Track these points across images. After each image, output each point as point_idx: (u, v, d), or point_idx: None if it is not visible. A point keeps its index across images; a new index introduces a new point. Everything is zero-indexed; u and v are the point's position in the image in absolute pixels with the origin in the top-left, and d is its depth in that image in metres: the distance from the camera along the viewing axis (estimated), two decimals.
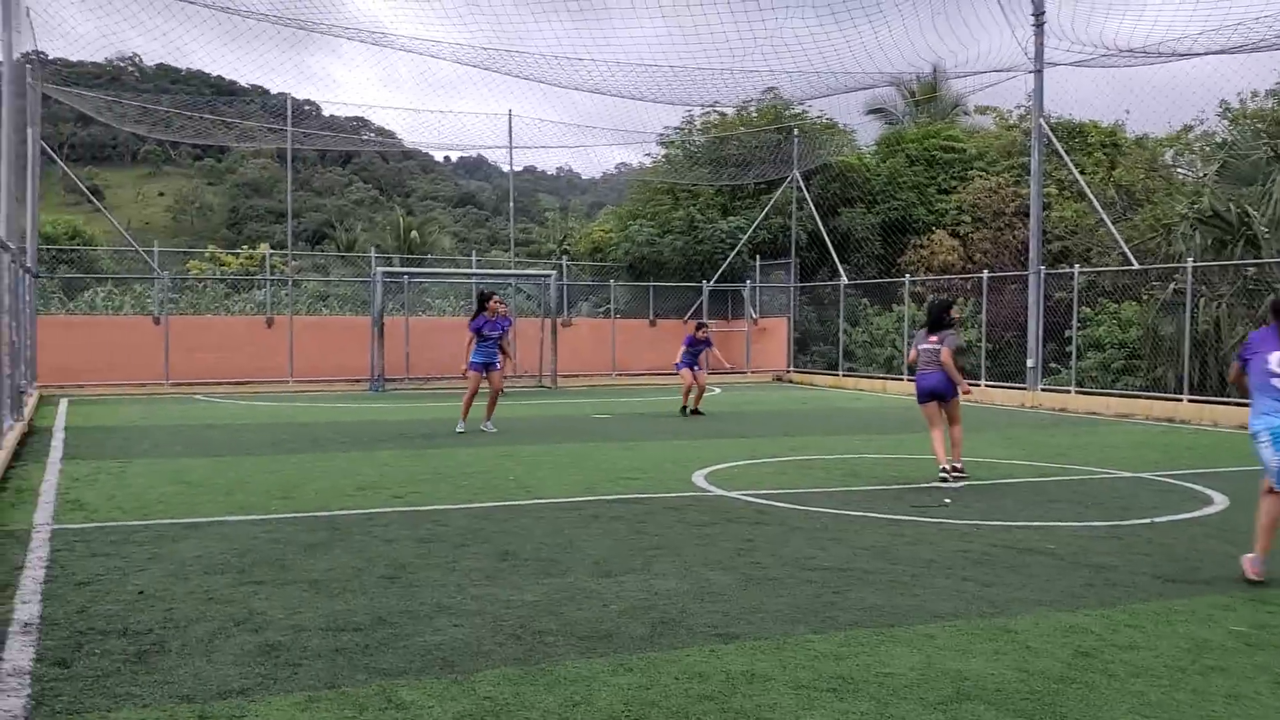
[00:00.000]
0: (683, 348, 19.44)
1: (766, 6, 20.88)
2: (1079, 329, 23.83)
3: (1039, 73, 21.61)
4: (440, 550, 7.59)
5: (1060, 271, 22.66)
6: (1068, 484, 11.31)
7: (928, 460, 12.88)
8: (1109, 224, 21.48)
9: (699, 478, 11.34)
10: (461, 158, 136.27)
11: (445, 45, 23.18)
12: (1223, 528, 8.82)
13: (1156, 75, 29.62)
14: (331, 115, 27.40)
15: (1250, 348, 7.24)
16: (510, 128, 29.00)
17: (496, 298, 16.41)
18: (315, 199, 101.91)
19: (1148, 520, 9.05)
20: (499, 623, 5.70)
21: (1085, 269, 22.13)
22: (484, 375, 16.03)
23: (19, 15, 15.25)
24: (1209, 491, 10.66)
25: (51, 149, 26.90)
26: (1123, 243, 20.79)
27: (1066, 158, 23.06)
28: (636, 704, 4.49)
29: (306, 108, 34.19)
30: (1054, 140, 22.56)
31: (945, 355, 11.50)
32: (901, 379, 25.76)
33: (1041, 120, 21.75)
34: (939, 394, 11.60)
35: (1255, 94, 26.48)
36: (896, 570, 7.08)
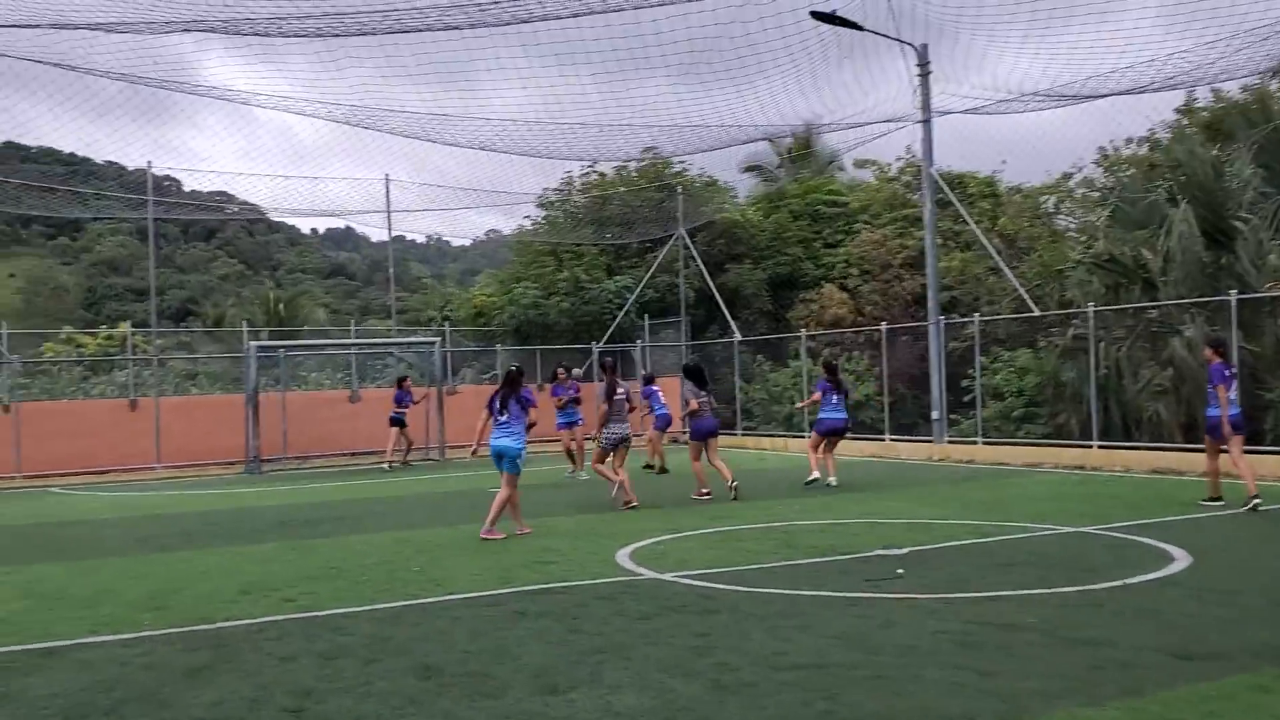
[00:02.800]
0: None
1: (630, 70, 20.29)
2: (973, 378, 23.66)
3: (927, 123, 21.46)
4: (348, 668, 6.46)
5: (960, 320, 22.40)
6: (1013, 544, 10.65)
7: (860, 525, 12.22)
8: (1007, 271, 21.32)
9: (623, 557, 10.36)
10: (329, 229, 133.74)
11: (311, 104, 21.94)
12: (1200, 587, 8.20)
13: (1030, 127, 30.23)
14: (194, 190, 26.00)
15: None
16: (387, 191, 27.90)
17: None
18: (179, 275, 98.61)
19: (1119, 583, 8.39)
20: None
21: (986, 317, 21.90)
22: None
23: None
24: (1162, 545, 10.09)
25: None
26: (1022, 290, 20.60)
27: (959, 205, 22.95)
28: None
29: (167, 183, 32.54)
30: (945, 189, 22.43)
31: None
32: (803, 436, 25.17)
33: (932, 170, 21.56)
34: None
35: (1129, 140, 26.94)
36: (880, 663, 6.21)
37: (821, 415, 17.25)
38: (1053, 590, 8.16)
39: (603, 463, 15.38)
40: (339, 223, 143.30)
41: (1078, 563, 9.45)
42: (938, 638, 6.75)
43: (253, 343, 24.47)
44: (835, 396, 17.18)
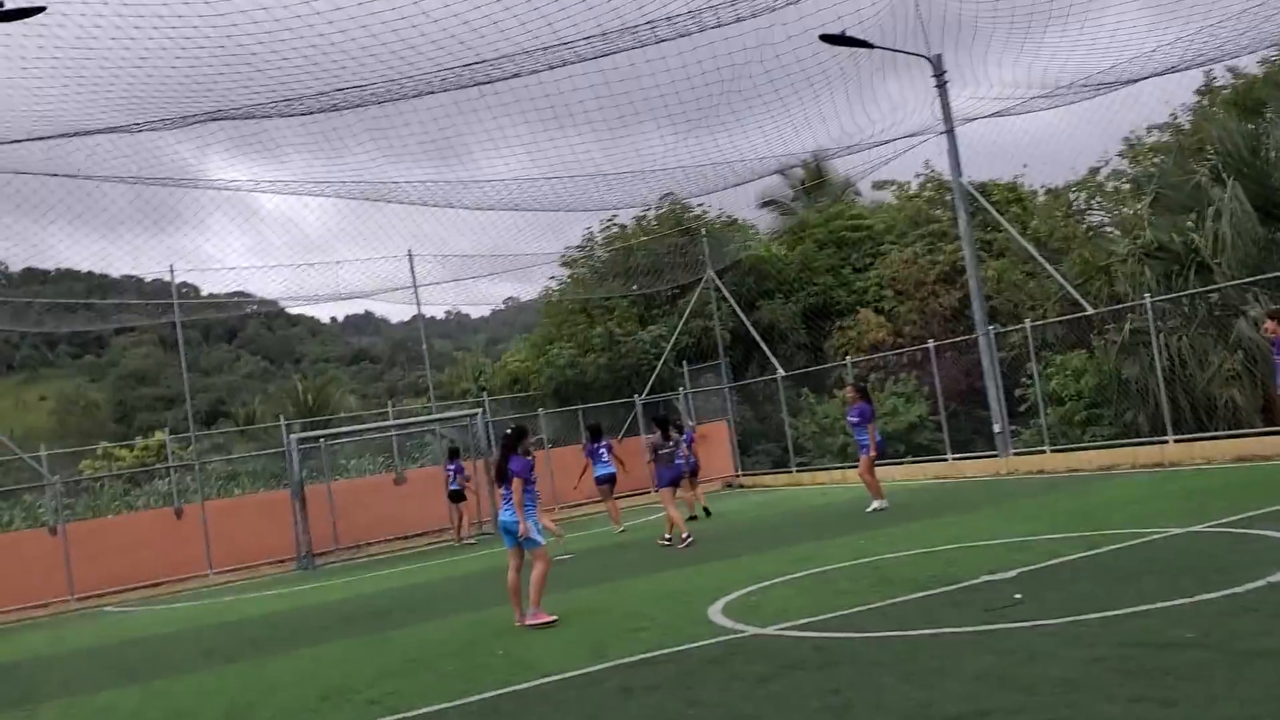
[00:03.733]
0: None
1: (630, 117, 19.98)
2: (1026, 386, 22.98)
3: (950, 133, 20.99)
4: None
5: (1011, 328, 21.77)
6: (1127, 553, 9.99)
7: (952, 551, 11.60)
8: (1054, 273, 20.71)
9: (716, 614, 9.77)
10: (349, 315, 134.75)
11: (318, 184, 21.60)
12: None
13: (1041, 131, 29.73)
14: (211, 293, 25.76)
15: None
16: (411, 266, 27.58)
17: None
18: (204, 379, 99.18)
19: (1263, 582, 7.74)
20: None
21: (1037, 322, 21.27)
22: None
23: None
24: None
25: None
26: (1072, 289, 19.98)
27: (994, 212, 22.41)
28: None
29: (185, 289, 32.45)
30: (979, 198, 21.91)
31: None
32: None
33: (963, 180, 21.05)
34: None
35: (1150, 127, 26.43)
36: (1045, 703, 5.61)
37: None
38: (1195, 599, 7.52)
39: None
40: (358, 308, 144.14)
41: (1206, 565, 8.80)
42: (1095, 667, 6.14)
43: (293, 436, 24.05)
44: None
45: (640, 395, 29.09)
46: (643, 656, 8.38)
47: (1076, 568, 9.58)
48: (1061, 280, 20.37)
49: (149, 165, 20.02)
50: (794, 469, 26.56)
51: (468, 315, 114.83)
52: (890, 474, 23.26)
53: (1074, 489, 16.37)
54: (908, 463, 23.73)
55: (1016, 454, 20.64)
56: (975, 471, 21.20)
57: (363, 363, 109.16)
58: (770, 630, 8.65)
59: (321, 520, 23.98)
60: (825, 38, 18.99)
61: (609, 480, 20.07)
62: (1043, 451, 20.20)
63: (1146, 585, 8.27)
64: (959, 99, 20.67)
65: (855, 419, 17.28)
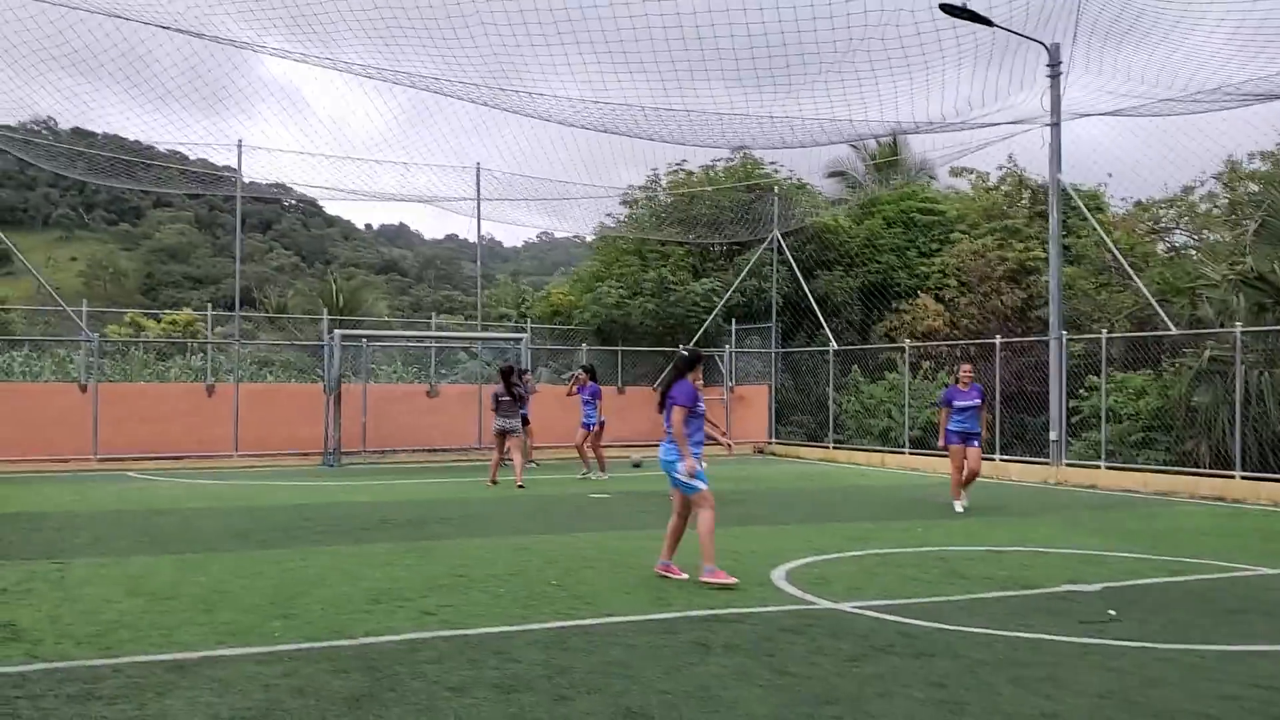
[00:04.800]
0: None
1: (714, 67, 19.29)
2: (1083, 398, 22.39)
3: (1056, 126, 20.26)
4: (537, 708, 5.49)
5: (1083, 338, 21.15)
6: (1222, 586, 9.48)
7: (1022, 554, 11.13)
8: (1141, 287, 20.05)
9: (780, 580, 9.35)
10: (383, 225, 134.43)
11: (381, 71, 20.84)
12: None
13: (1134, 139, 28.81)
14: (252, 180, 25.28)
15: None
16: (478, 179, 26.97)
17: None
18: (233, 265, 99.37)
19: None
20: None
21: (1114, 334, 20.64)
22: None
23: None
24: None
25: None
26: (1158, 307, 19.34)
27: (1091, 218, 21.71)
28: None
29: (227, 172, 31.93)
30: (1078, 199, 21.20)
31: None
32: (902, 452, 24.05)
33: (1060, 176, 20.35)
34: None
35: (1251, 154, 25.53)
36: None
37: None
38: None
39: None
40: (393, 219, 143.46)
41: None
42: (1231, 705, 5.67)
43: (337, 331, 23.66)
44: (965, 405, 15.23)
45: (685, 346, 28.59)
46: (711, 612, 7.96)
47: (1166, 592, 9.09)
48: (1150, 298, 19.68)
49: (203, 48, 19.56)
50: (830, 445, 26.08)
51: (500, 243, 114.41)
52: (931, 465, 22.80)
53: (1135, 509, 15.85)
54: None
55: (1069, 465, 20.10)
56: (1021, 475, 20.68)
57: (391, 274, 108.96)
58: (845, 607, 8.21)
59: (352, 421, 23.66)
60: (945, 8, 18.30)
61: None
62: (1097, 466, 19.65)
63: (1258, 625, 7.80)
64: (1070, 93, 19.91)
65: (977, 400, 15.16)
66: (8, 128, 25.52)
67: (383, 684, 5.91)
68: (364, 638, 7.04)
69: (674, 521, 9.49)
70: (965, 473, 15.11)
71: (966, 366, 15.40)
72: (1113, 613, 8.08)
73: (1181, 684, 6.08)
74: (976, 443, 15.17)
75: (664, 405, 9.28)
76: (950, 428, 15.16)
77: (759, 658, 6.59)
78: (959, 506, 14.96)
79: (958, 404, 15.09)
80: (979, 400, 15.14)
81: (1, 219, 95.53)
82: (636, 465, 22.58)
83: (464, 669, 6.24)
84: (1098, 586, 9.20)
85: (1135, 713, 5.53)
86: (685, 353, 9.67)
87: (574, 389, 20.83)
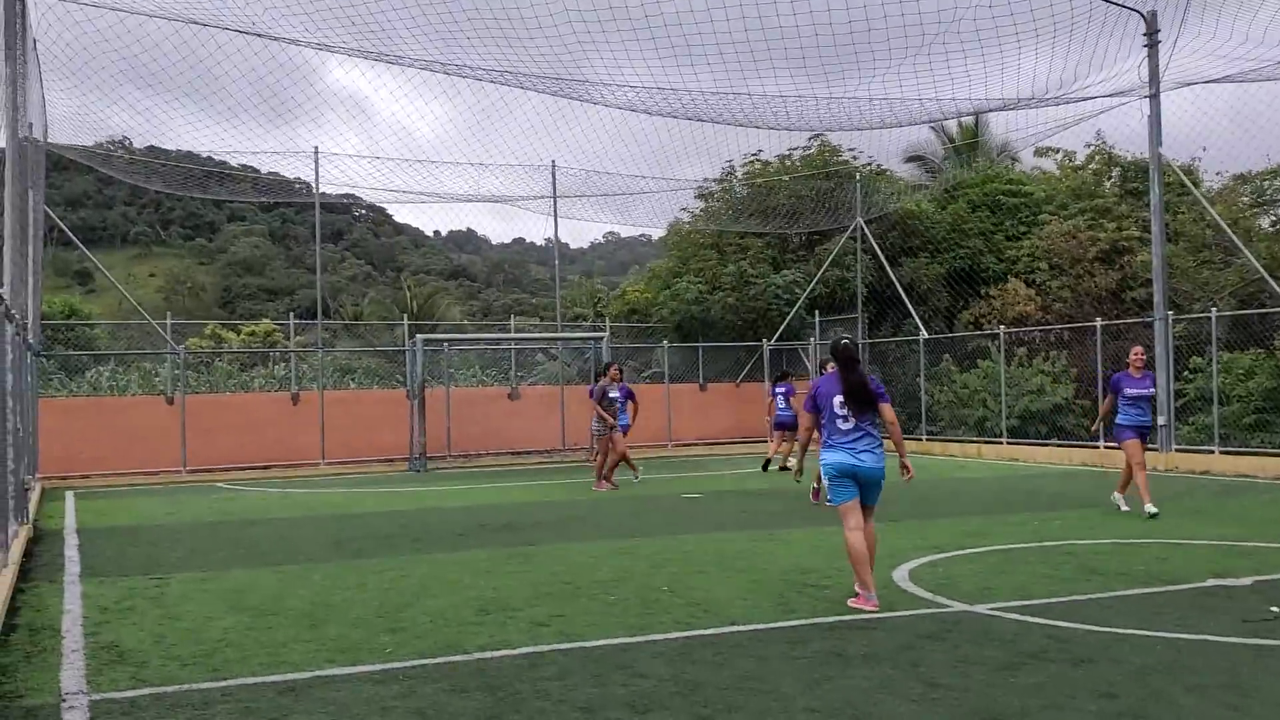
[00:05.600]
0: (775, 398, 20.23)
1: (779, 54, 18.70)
2: (1188, 380, 21.51)
3: (1154, 97, 19.42)
4: None
5: (1188, 317, 20.27)
6: None
7: (1156, 546, 10.51)
8: (1255, 263, 19.15)
9: (902, 581, 8.85)
10: (451, 231, 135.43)
11: (448, 65, 20.48)
12: None
13: (1229, 111, 27.67)
14: (323, 193, 25.10)
15: None
16: (554, 177, 26.70)
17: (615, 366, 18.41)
18: (309, 275, 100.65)
19: None
20: None
21: (1223, 312, 19.76)
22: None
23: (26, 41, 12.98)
24: None
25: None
26: (1274, 282, 18.44)
27: (1197, 192, 20.83)
28: None
29: (298, 185, 32.05)
30: (1181, 175, 20.33)
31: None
32: (999, 442, 23.30)
33: (1160, 150, 19.51)
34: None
35: None
36: None
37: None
38: None
39: None
40: (460, 224, 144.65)
41: None
42: None
43: (419, 336, 23.52)
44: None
45: (769, 340, 28.08)
46: (838, 619, 7.50)
47: None
48: (1262, 271, 18.78)
49: (271, 60, 19.49)
50: (924, 437, 25.38)
51: (567, 245, 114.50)
52: (1032, 455, 22.09)
53: (1259, 495, 15.07)
54: (1052, 445, 22.44)
55: (1179, 450, 19.27)
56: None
57: (461, 279, 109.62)
58: (982, 609, 7.69)
59: (436, 425, 23.51)
60: None
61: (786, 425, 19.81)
62: (1210, 452, 18.80)
63: None
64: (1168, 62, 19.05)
65: (1151, 389, 13.29)
66: (86, 148, 25.72)
67: (506, 704, 5.54)
68: (479, 652, 6.69)
69: (859, 539, 7.94)
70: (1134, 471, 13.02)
71: (1138, 349, 13.32)
72: (1276, 609, 7.48)
73: None
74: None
75: (865, 402, 7.98)
76: (1124, 421, 13.07)
77: (903, 668, 6.12)
78: (1148, 509, 12.57)
79: (1130, 392, 13.00)
80: (1153, 388, 13.33)
81: (83, 238, 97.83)
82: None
83: (589, 686, 5.85)
84: (1248, 580, 8.59)
85: None
86: (845, 339, 8.37)
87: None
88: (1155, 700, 5.40)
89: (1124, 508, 13.24)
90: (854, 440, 8.00)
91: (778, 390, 20.20)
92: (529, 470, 22.70)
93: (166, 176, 29.97)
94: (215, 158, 35.35)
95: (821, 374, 9.24)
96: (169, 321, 23.70)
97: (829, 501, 8.21)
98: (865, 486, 8.06)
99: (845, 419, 8.01)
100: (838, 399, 8.03)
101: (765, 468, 20.19)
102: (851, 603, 7.85)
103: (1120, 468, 14.31)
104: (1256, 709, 5.24)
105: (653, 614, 7.76)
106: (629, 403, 18.28)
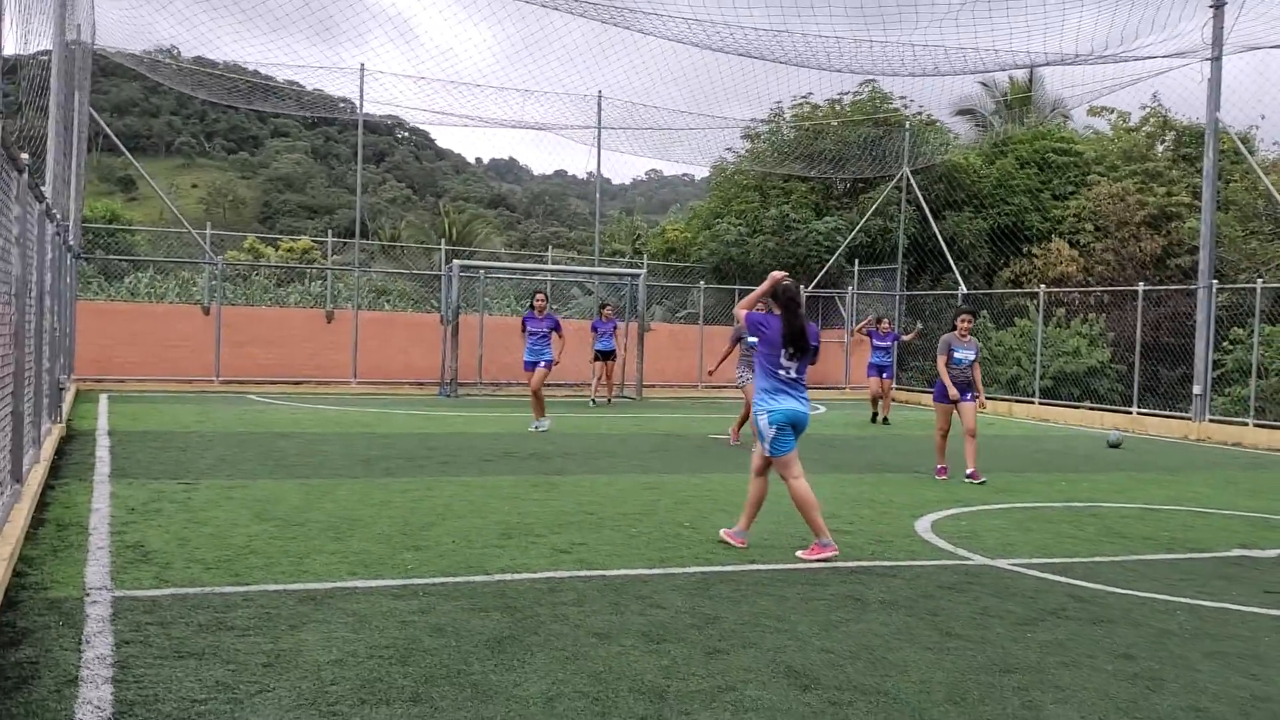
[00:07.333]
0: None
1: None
2: (1226, 351, 21.22)
3: (1217, 60, 18.97)
4: (690, 660, 5.10)
5: (1233, 287, 19.95)
6: None
7: (1181, 513, 10.42)
8: None
9: (925, 532, 8.82)
10: (493, 159, 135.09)
11: None
12: None
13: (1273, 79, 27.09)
14: (367, 112, 24.85)
15: None
16: (599, 108, 26.47)
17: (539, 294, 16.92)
18: (349, 195, 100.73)
19: None
20: None
21: (1270, 284, 19.43)
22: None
23: None
24: None
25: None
26: None
27: (1252, 160, 20.41)
28: None
29: (342, 104, 31.95)
30: (1238, 143, 19.91)
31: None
32: (1031, 401, 23.16)
33: (1218, 114, 19.08)
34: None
35: None
36: None
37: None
38: None
39: None
40: (503, 153, 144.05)
41: None
42: None
43: (456, 262, 23.52)
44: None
45: (806, 287, 27.90)
46: (859, 564, 7.50)
47: None
48: None
49: None
50: None
51: (609, 180, 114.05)
52: (1064, 416, 21.93)
53: None
54: (1084, 407, 22.26)
55: (1212, 420, 19.07)
56: (1160, 430, 19.71)
57: (500, 208, 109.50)
58: (1003, 564, 7.67)
59: (468, 352, 23.57)
60: None
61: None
62: (1244, 424, 18.59)
63: None
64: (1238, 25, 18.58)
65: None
66: (134, 55, 25.70)
67: (524, 626, 5.58)
68: (499, 574, 6.73)
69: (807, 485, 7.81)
70: None
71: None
72: None
73: None
74: None
75: (808, 350, 7.67)
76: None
77: (921, 616, 6.11)
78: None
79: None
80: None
81: (128, 145, 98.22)
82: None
83: (607, 613, 5.88)
84: (1274, 553, 8.52)
85: None
86: (789, 282, 7.76)
87: (864, 329, 20.96)
88: (1173, 664, 5.37)
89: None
90: (799, 388, 7.75)
91: None
92: (558, 402, 22.74)
93: (212, 87, 29.89)
94: (262, 71, 35.29)
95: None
96: (209, 232, 23.81)
97: (772, 453, 7.66)
98: (797, 435, 7.77)
99: (790, 366, 7.68)
100: (784, 347, 7.61)
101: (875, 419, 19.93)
102: (806, 554, 7.59)
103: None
104: (1276, 678, 5.19)
105: (673, 548, 7.78)
106: (552, 334, 16.62)
